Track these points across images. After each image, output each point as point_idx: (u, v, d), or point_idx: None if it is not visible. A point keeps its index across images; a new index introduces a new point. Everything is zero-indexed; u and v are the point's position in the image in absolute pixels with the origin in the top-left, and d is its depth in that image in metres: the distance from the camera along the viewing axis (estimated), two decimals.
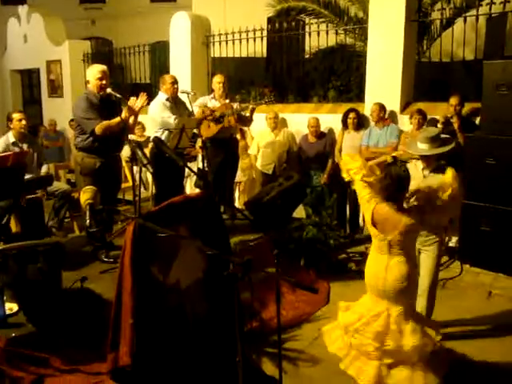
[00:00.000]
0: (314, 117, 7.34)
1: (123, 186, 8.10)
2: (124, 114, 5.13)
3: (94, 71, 5.25)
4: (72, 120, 9.28)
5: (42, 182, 6.03)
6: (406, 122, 6.61)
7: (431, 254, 4.12)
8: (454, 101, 6.12)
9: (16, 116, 6.17)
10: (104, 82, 5.22)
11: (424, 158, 4.04)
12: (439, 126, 5.76)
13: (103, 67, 5.34)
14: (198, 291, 3.45)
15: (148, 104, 6.20)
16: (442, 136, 4.15)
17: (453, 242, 5.93)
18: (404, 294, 3.36)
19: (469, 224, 5.57)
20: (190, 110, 6.16)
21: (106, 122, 5.11)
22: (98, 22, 17.56)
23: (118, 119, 5.12)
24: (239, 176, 7.57)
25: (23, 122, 6.16)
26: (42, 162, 6.49)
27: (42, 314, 3.78)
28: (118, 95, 5.30)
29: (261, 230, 5.44)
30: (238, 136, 7.47)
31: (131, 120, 5.32)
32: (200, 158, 7.37)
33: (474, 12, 6.85)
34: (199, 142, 6.67)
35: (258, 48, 8.78)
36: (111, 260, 5.17)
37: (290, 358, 4.03)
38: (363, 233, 7.02)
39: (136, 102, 5.21)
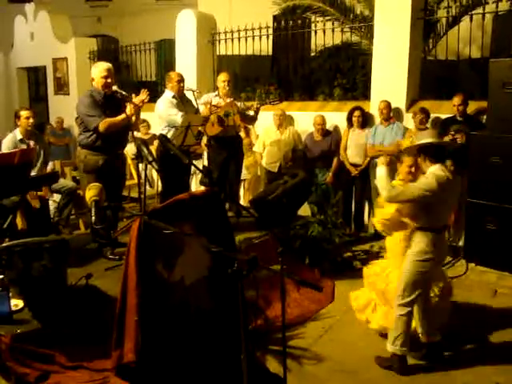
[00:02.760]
0: (320, 115, 7.34)
1: (128, 183, 8.13)
2: (129, 110, 5.13)
3: (100, 69, 5.25)
4: (78, 118, 9.30)
5: (47, 179, 6.05)
6: (411, 120, 6.60)
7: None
8: (456, 100, 6.10)
9: (24, 114, 6.18)
10: (109, 80, 5.22)
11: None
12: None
13: (108, 65, 5.33)
14: (202, 288, 3.46)
15: (154, 101, 6.22)
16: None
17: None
18: None
19: (474, 223, 5.56)
20: (196, 107, 6.16)
21: (110, 119, 5.10)
22: (104, 20, 17.59)
23: (123, 116, 5.12)
24: (244, 174, 7.58)
25: (31, 120, 6.18)
26: (48, 159, 6.50)
27: (47, 310, 3.79)
28: (123, 93, 5.31)
29: (266, 227, 5.44)
30: (243, 134, 7.47)
31: (133, 117, 5.32)
32: (205, 155, 7.39)
33: (480, 10, 6.82)
34: (204, 140, 6.68)
35: (264, 46, 8.78)
36: (116, 257, 5.18)
37: (295, 356, 4.04)
38: (368, 231, 7.02)
39: (140, 98, 5.21)
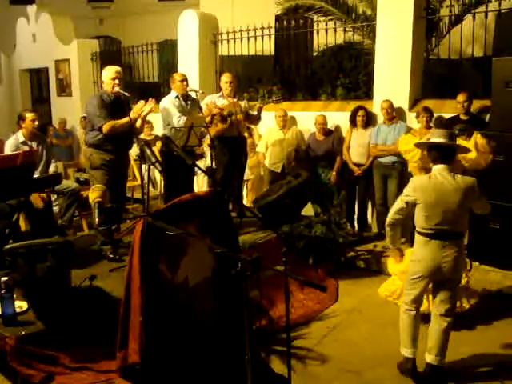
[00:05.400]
0: (322, 114, 7.34)
1: (132, 184, 8.15)
2: (132, 114, 5.18)
3: (111, 71, 5.34)
4: (84, 117, 9.35)
5: (50, 181, 6.05)
6: (414, 120, 6.59)
7: None
8: (461, 97, 6.09)
9: (29, 116, 6.20)
10: (117, 81, 5.30)
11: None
12: None
13: (119, 68, 5.44)
14: (206, 289, 3.46)
15: (157, 103, 6.23)
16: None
17: None
18: None
19: (478, 222, 5.54)
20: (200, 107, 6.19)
21: (114, 122, 5.14)
22: (106, 21, 17.59)
23: (126, 119, 5.16)
24: (247, 174, 7.58)
25: (36, 122, 6.21)
26: (51, 160, 6.51)
27: (51, 311, 3.79)
28: (126, 94, 5.33)
29: (269, 227, 5.44)
30: (246, 134, 7.46)
31: (138, 123, 5.35)
32: (208, 155, 7.38)
33: (483, 8, 6.81)
34: (207, 140, 6.68)
35: (266, 46, 8.78)
36: (117, 257, 5.19)
37: (299, 356, 4.04)
38: (371, 231, 7.02)
39: (143, 107, 5.23)
